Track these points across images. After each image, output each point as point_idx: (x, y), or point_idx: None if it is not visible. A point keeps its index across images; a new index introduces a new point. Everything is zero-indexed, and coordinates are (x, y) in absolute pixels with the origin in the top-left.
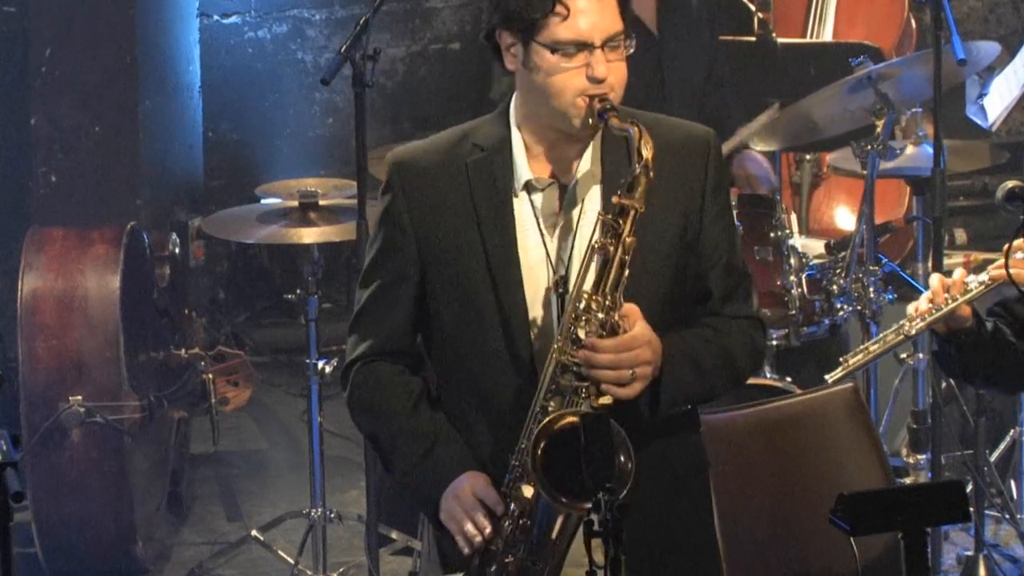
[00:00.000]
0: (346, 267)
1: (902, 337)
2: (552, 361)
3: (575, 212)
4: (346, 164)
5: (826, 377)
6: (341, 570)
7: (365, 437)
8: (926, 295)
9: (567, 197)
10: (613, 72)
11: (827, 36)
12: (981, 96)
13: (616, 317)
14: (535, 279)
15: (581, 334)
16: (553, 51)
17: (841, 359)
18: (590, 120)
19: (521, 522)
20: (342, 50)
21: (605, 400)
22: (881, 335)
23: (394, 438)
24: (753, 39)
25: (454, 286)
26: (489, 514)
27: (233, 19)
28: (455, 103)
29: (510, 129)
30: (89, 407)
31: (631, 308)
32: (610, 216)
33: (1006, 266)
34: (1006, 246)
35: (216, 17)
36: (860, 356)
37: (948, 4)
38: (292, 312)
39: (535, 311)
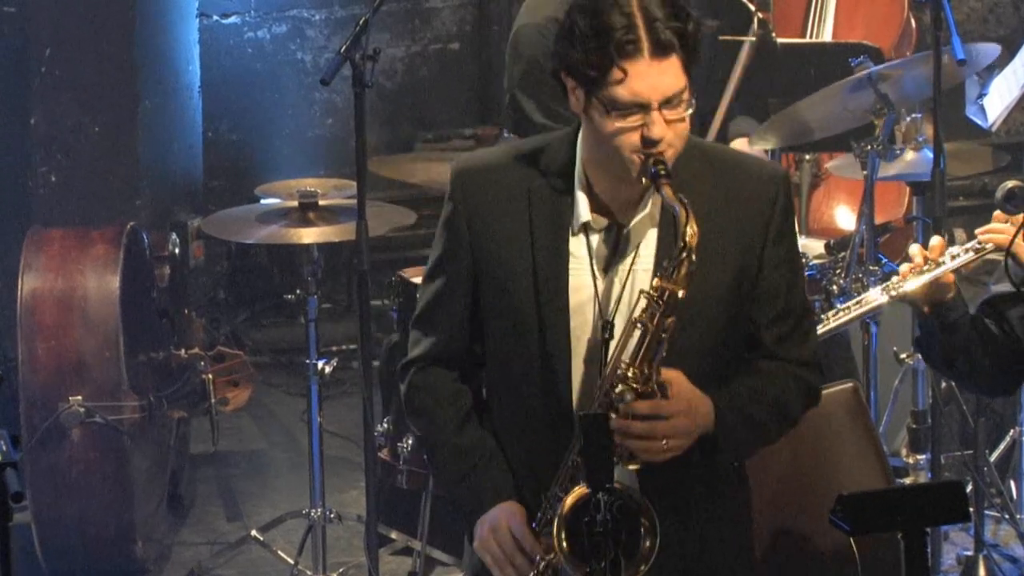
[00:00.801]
0: (346, 267)
1: (885, 297)
2: None
3: (629, 256)
4: (346, 164)
5: None
6: (341, 570)
7: (416, 439)
8: (907, 262)
9: (623, 240)
10: (671, 130)
11: (827, 36)
12: (981, 96)
13: (652, 388)
14: (581, 318)
15: (617, 402)
16: (609, 109)
17: (823, 316)
18: (644, 180)
19: (548, 572)
20: (342, 50)
21: (635, 465)
22: (862, 296)
23: (440, 451)
24: (753, 39)
25: (501, 307)
26: (526, 558)
27: (233, 19)
28: (455, 103)
29: (575, 160)
30: (89, 407)
31: (675, 375)
32: (653, 294)
33: (1013, 236)
34: (1016, 217)
35: (216, 17)
36: (841, 315)
37: (948, 4)
38: (292, 312)
39: (578, 351)
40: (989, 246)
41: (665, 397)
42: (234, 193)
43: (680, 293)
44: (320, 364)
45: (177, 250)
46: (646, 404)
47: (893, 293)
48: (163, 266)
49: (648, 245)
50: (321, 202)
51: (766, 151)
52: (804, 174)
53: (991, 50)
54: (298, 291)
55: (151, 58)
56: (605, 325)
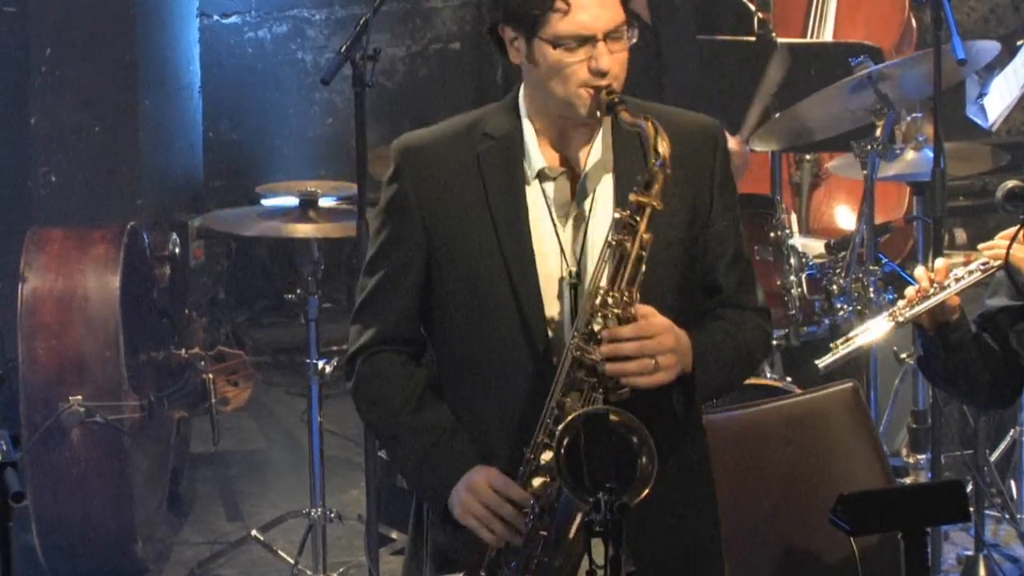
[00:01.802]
0: (346, 267)
1: (892, 323)
2: (568, 356)
3: (587, 202)
4: (346, 164)
5: (816, 362)
6: (341, 570)
7: (370, 429)
8: (913, 286)
9: (579, 187)
10: (616, 62)
11: (827, 36)
12: (981, 96)
13: (633, 312)
14: (547, 269)
15: (596, 329)
16: (555, 46)
17: (831, 344)
18: (598, 112)
19: (541, 517)
20: (342, 50)
21: (623, 393)
22: (870, 322)
23: (398, 434)
24: (753, 39)
25: (464, 275)
26: (516, 507)
27: (233, 19)
28: (455, 103)
29: (520, 119)
30: (89, 407)
31: (649, 309)
32: (627, 213)
33: (1008, 248)
34: (1005, 233)
35: (216, 17)
36: (850, 342)
37: (948, 4)
38: (292, 312)
39: (549, 299)
40: (996, 262)
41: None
42: (234, 193)
43: (656, 204)
44: (320, 364)
45: (177, 250)
46: (631, 327)
47: (900, 319)
48: (163, 266)
49: (605, 190)
50: (321, 202)
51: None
52: (804, 174)
53: (991, 48)
54: (298, 291)
55: (151, 58)
56: (572, 273)
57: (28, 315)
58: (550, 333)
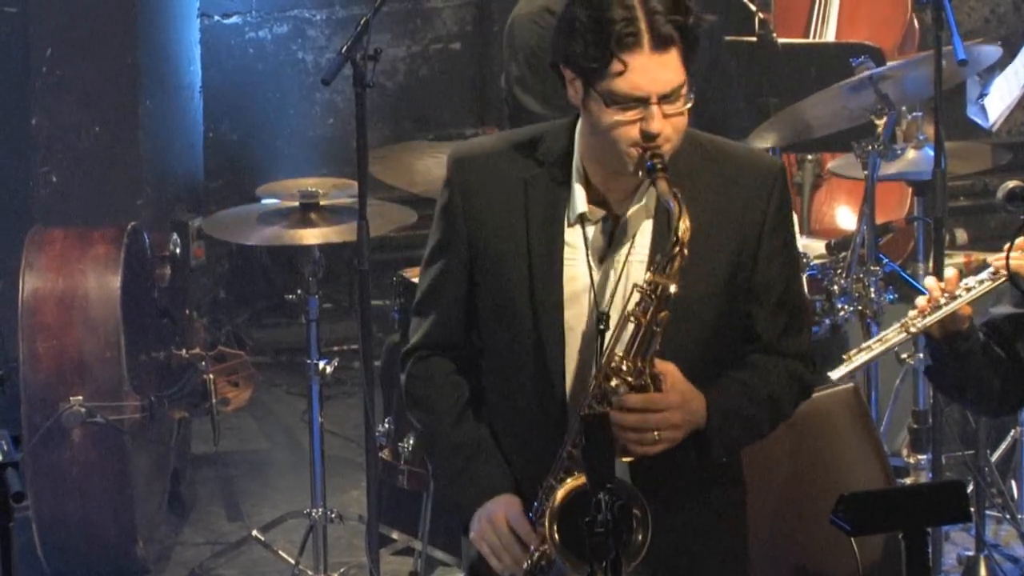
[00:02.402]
0: (347, 267)
1: (905, 335)
2: (580, 414)
3: (624, 247)
4: (347, 164)
5: (829, 374)
6: (342, 570)
7: (414, 429)
8: (924, 296)
9: (618, 231)
10: (669, 125)
11: (830, 37)
12: (982, 96)
13: (645, 381)
14: (576, 309)
15: (611, 390)
16: (608, 103)
17: (844, 356)
18: (640, 173)
19: (541, 564)
20: (343, 50)
21: (628, 458)
22: (883, 333)
23: (437, 444)
24: (754, 39)
25: (496, 300)
26: (523, 546)
27: (234, 19)
28: (456, 103)
29: (572, 150)
30: (90, 407)
31: (669, 368)
32: (646, 289)
33: (1007, 258)
34: (1008, 245)
35: (217, 17)
36: (863, 353)
37: (949, 4)
38: (293, 312)
39: (572, 342)
40: (1003, 272)
41: (658, 390)
42: (235, 193)
43: (672, 288)
44: (321, 364)
45: (178, 250)
46: (639, 397)
47: (912, 330)
48: (164, 266)
49: (643, 236)
50: (322, 202)
51: (766, 150)
52: (806, 174)
53: (992, 52)
54: (299, 291)
55: (152, 58)
56: (600, 316)
57: (29, 315)
58: (571, 376)
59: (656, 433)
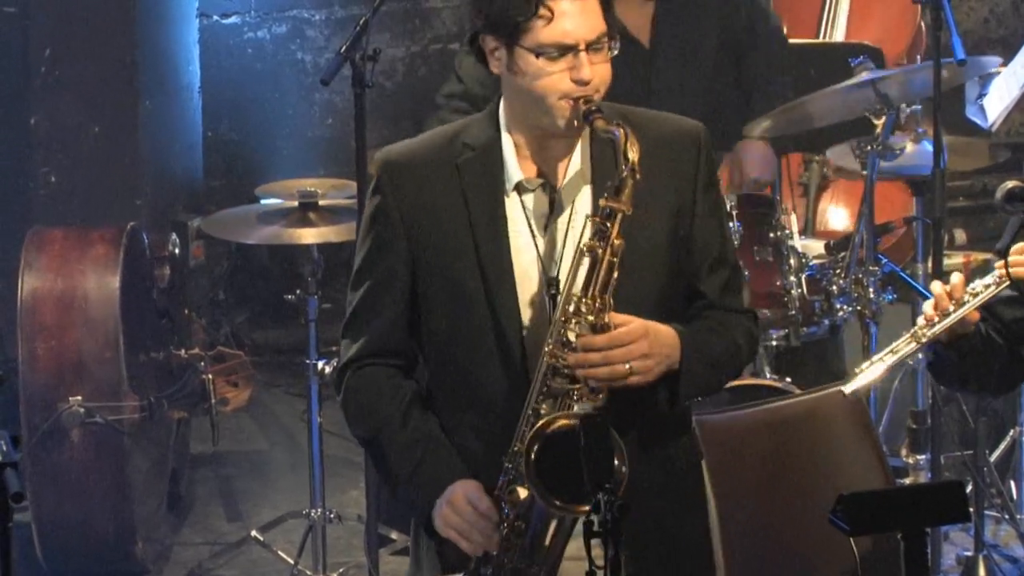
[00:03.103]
0: (346, 267)
1: (915, 344)
2: (543, 364)
3: (565, 213)
4: (346, 164)
5: (842, 388)
6: (341, 570)
7: (359, 441)
8: (930, 302)
9: (557, 198)
10: (597, 73)
11: (839, 38)
12: (981, 96)
13: (606, 319)
14: (527, 280)
15: (571, 336)
16: (537, 55)
17: (856, 369)
18: (575, 122)
19: (516, 525)
20: (342, 50)
21: (599, 399)
22: (892, 344)
23: (386, 448)
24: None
25: (445, 286)
26: (489, 521)
27: (233, 19)
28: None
29: (499, 130)
30: (89, 407)
31: (622, 317)
32: (598, 218)
33: (1006, 267)
34: (1021, 246)
35: (216, 17)
36: (875, 367)
37: (948, 4)
38: (292, 312)
39: (527, 312)
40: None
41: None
42: (234, 193)
43: (627, 209)
44: (320, 364)
45: (177, 250)
46: (602, 336)
47: (923, 340)
48: (163, 266)
49: (583, 202)
50: (321, 202)
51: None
52: (812, 175)
53: (992, 62)
54: (298, 291)
55: (151, 58)
56: (551, 282)
57: (28, 315)
58: (527, 343)
59: (628, 365)
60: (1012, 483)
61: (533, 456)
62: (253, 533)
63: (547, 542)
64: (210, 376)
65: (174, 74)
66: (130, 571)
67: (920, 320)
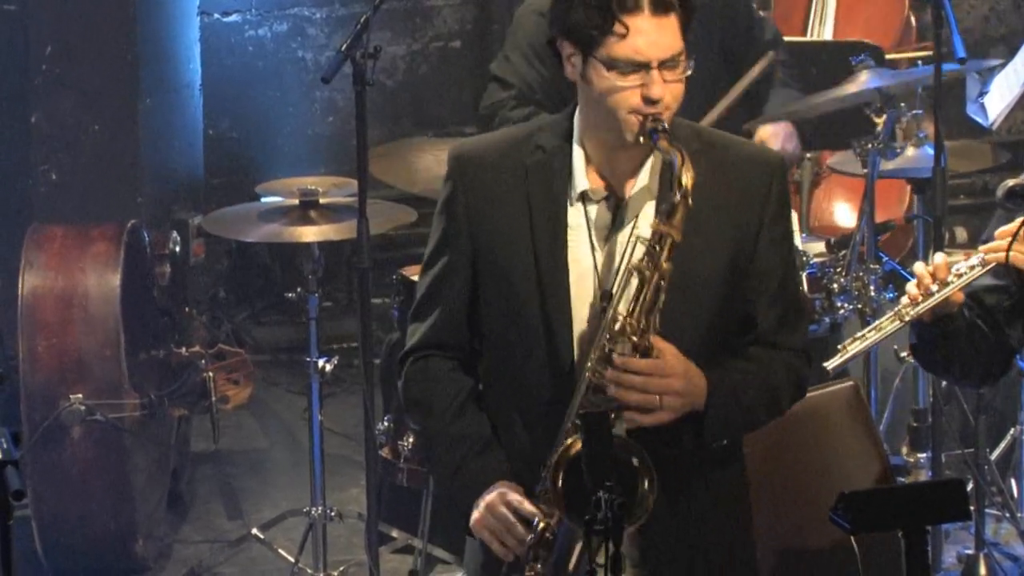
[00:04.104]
0: (347, 265)
1: (898, 323)
2: (585, 379)
3: (627, 228)
4: (347, 162)
5: (824, 365)
6: (341, 568)
7: (413, 432)
8: (913, 282)
9: (620, 211)
10: (668, 91)
11: (827, 36)
12: (982, 95)
13: (649, 341)
14: (582, 290)
15: (614, 355)
16: (609, 68)
17: (839, 346)
18: (642, 138)
19: (546, 537)
20: (343, 48)
21: (629, 426)
22: (877, 322)
23: (436, 440)
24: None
25: (501, 286)
26: (524, 525)
27: (234, 17)
28: (456, 101)
29: (572, 136)
30: (89, 405)
31: (667, 346)
32: (650, 241)
33: (1008, 248)
34: (1004, 229)
35: (216, 15)
36: (857, 343)
37: (949, 3)
38: (292, 310)
39: (579, 322)
40: (998, 254)
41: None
42: (235, 191)
43: (676, 236)
44: (321, 362)
45: (178, 248)
46: (644, 361)
47: (906, 319)
48: (164, 264)
49: (646, 217)
50: (322, 200)
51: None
52: (805, 172)
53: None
54: (299, 289)
55: (152, 56)
56: (604, 295)
57: (28, 313)
58: (576, 354)
59: (659, 398)
60: (1013, 481)
61: (560, 480)
62: (254, 531)
63: (571, 566)
64: (211, 374)
65: (175, 72)
66: (131, 569)
67: (904, 299)
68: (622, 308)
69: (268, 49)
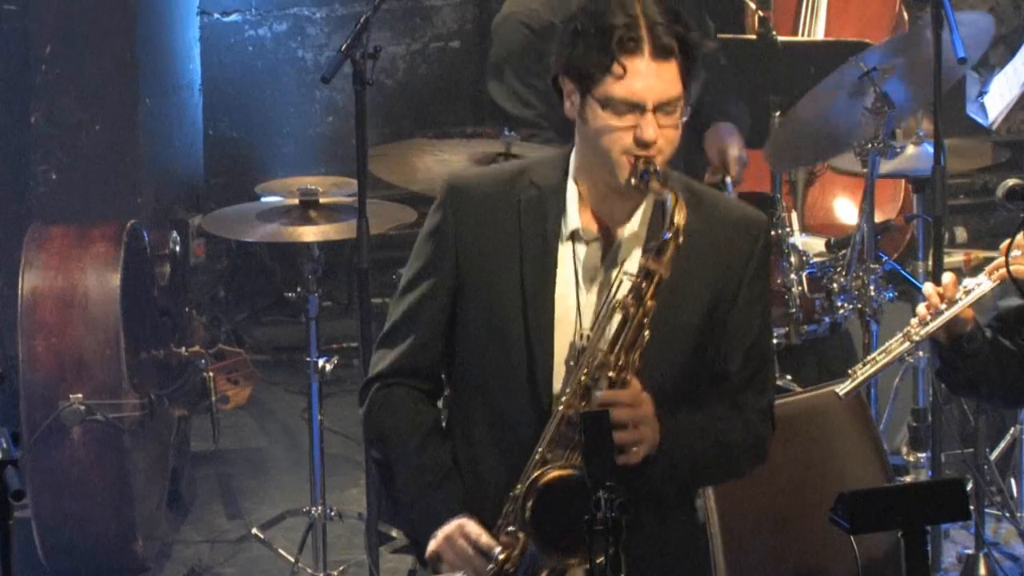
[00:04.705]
0: (346, 265)
1: (907, 344)
2: (558, 414)
3: (614, 272)
4: (346, 162)
5: (836, 390)
6: (341, 568)
7: (372, 461)
8: (923, 303)
9: (610, 255)
10: (662, 136)
11: (819, 33)
12: (981, 94)
13: (627, 377)
14: (563, 328)
15: (590, 386)
16: (604, 107)
17: (849, 371)
18: (633, 180)
19: (506, 569)
20: (342, 48)
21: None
22: (886, 344)
23: (397, 470)
24: (753, 38)
25: (485, 318)
26: (483, 558)
27: (233, 17)
28: (455, 101)
29: (567, 174)
30: (89, 405)
31: (636, 384)
32: (637, 278)
33: (1006, 264)
34: (1005, 244)
35: (216, 15)
36: (868, 367)
37: (948, 3)
38: (292, 310)
39: (558, 363)
40: (1001, 270)
41: None
42: (235, 191)
43: (664, 274)
44: (321, 362)
45: (178, 248)
46: (627, 392)
47: (915, 338)
48: (164, 264)
49: (633, 263)
50: (322, 200)
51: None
52: (799, 171)
53: (983, 21)
54: (299, 289)
55: (152, 56)
56: (583, 335)
57: (28, 313)
58: (555, 392)
59: (640, 432)
60: (1012, 481)
61: (530, 506)
62: (253, 531)
63: None
64: (210, 374)
65: (175, 72)
66: (130, 569)
67: (913, 320)
68: (603, 344)
69: (268, 49)
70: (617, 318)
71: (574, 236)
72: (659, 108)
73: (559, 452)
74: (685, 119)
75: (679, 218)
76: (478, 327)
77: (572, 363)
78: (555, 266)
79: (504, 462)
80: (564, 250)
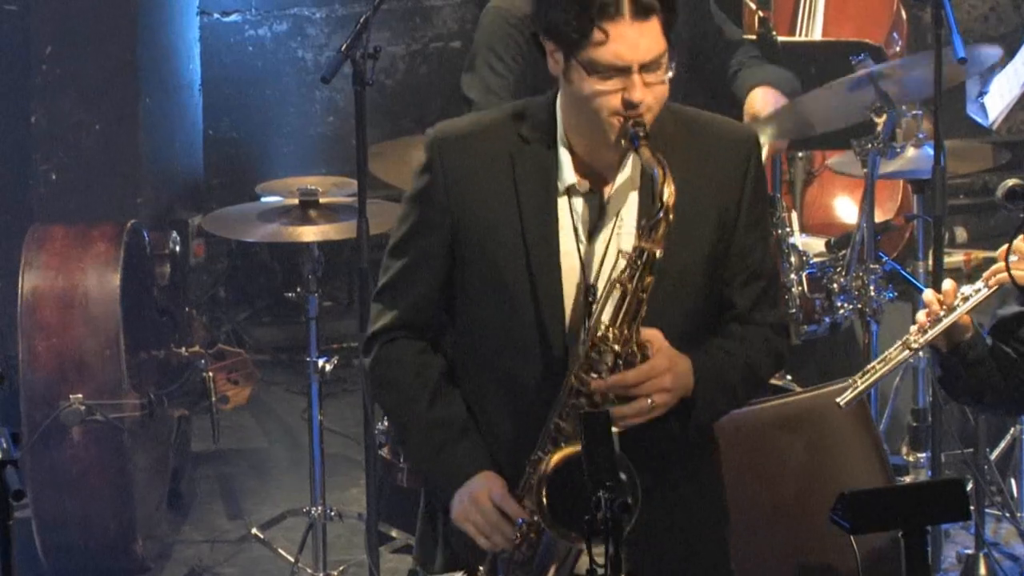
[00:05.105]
0: (347, 265)
1: (907, 352)
2: (568, 384)
3: (612, 220)
4: (346, 162)
5: (837, 401)
6: (341, 568)
7: (384, 412)
8: (923, 310)
9: (605, 204)
10: (651, 94)
11: (817, 32)
12: (982, 95)
13: (631, 349)
14: (569, 283)
15: (603, 374)
16: (590, 72)
17: (849, 380)
18: (623, 140)
19: (529, 537)
20: (342, 48)
21: (616, 429)
22: (885, 353)
23: (411, 425)
24: (753, 38)
25: (489, 275)
26: (510, 523)
27: (233, 17)
28: (455, 101)
29: (556, 126)
30: (89, 405)
31: (654, 334)
32: (632, 255)
33: (1007, 267)
34: (1004, 248)
35: (216, 15)
36: (868, 376)
37: (948, 3)
38: (292, 310)
39: (568, 314)
40: (1001, 275)
41: (645, 358)
42: (235, 191)
43: (658, 252)
44: (321, 362)
45: (178, 248)
46: (633, 373)
47: (915, 346)
48: (164, 264)
49: (630, 209)
50: (322, 200)
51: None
52: (797, 171)
53: (992, 53)
54: (299, 289)
55: (152, 56)
56: (588, 289)
57: (29, 313)
58: (566, 344)
59: (649, 400)
60: (1013, 481)
61: (545, 489)
62: (253, 531)
63: (554, 567)
64: (211, 374)
65: (175, 72)
66: (131, 569)
67: (913, 328)
68: (605, 317)
69: (268, 49)
70: (617, 291)
71: (570, 191)
72: (644, 67)
73: (570, 422)
74: (670, 74)
75: (668, 194)
76: (482, 284)
77: (583, 317)
78: (557, 221)
79: (516, 418)
80: (560, 204)
